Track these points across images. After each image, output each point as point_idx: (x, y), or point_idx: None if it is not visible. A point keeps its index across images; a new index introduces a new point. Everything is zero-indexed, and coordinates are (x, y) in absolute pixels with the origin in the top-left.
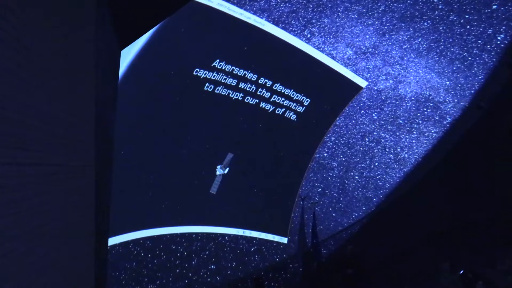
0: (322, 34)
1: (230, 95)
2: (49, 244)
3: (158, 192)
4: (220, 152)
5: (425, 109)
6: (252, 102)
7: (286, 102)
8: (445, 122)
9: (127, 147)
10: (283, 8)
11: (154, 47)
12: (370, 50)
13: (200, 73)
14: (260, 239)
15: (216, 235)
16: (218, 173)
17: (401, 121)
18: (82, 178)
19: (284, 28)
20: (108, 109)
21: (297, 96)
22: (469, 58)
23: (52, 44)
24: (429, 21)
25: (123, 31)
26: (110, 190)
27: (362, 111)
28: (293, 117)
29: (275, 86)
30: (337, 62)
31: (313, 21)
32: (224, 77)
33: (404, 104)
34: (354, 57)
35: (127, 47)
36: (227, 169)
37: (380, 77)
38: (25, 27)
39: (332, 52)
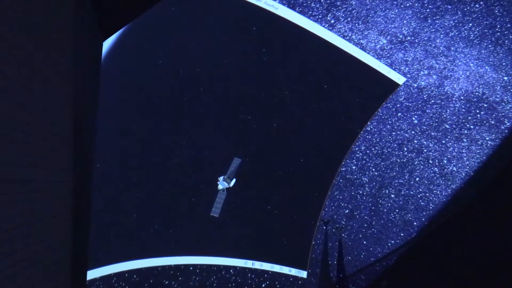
0: (349, 19)
1: None
2: (19, 274)
3: (145, 213)
4: (223, 159)
5: (477, 111)
6: None
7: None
8: (503, 127)
9: (105, 156)
10: None
11: (141, 34)
12: (409, 38)
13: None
14: (273, 272)
15: (219, 267)
16: (220, 187)
17: (447, 126)
18: (57, 196)
19: (302, 13)
20: (89, 111)
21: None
22: None
23: (21, 35)
24: (481, 2)
25: (106, 18)
26: (90, 210)
27: (399, 114)
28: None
29: None
30: (368, 53)
31: (338, 3)
32: None
33: (451, 105)
34: (388, 47)
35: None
36: (233, 181)
37: (422, 72)
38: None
39: (361, 41)
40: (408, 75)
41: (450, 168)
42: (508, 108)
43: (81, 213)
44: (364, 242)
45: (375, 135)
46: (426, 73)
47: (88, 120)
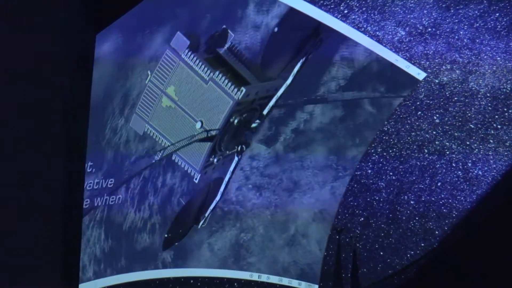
0: (364, 8)
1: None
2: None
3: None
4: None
5: (505, 109)
6: None
7: None
8: None
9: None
10: None
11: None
12: (430, 30)
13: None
14: (281, 286)
15: (222, 280)
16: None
17: (472, 126)
18: (46, 201)
19: (311, 1)
20: (80, 110)
21: None
22: None
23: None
24: None
25: (98, 11)
26: (81, 216)
27: (419, 113)
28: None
29: None
30: (385, 46)
31: None
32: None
33: (476, 102)
34: (407, 39)
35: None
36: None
37: (444, 67)
38: None
39: (377, 33)
40: (428, 70)
41: (475, 172)
42: None
43: (71, 220)
44: (381, 253)
45: (393, 136)
46: (448, 67)
47: (79, 119)
